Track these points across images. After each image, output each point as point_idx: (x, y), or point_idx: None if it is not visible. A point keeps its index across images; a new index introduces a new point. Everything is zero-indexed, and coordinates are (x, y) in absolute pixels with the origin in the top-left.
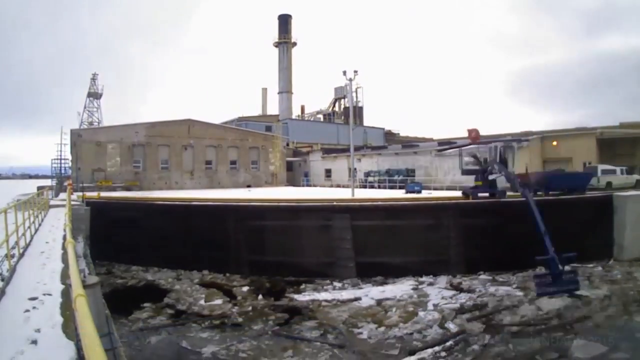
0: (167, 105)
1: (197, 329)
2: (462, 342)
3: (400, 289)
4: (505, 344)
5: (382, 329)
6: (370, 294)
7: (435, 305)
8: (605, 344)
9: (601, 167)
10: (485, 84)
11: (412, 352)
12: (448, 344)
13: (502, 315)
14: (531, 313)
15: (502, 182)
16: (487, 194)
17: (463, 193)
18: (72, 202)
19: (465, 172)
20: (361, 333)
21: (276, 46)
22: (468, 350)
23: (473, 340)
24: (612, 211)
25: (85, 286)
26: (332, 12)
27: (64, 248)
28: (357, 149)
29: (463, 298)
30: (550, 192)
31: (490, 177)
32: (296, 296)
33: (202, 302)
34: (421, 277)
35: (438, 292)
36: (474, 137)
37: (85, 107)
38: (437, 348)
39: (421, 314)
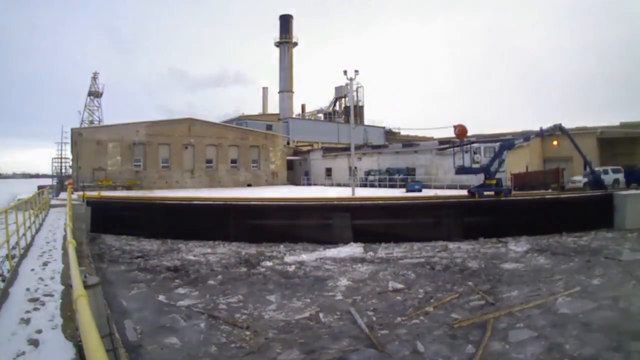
0: (167, 104)
1: (176, 285)
2: None
3: None
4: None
5: None
6: None
7: None
8: (592, 301)
9: None
10: (485, 83)
11: None
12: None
13: None
14: None
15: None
16: (492, 192)
17: (469, 192)
18: (73, 202)
19: (460, 171)
20: None
21: (277, 46)
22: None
23: None
24: (612, 210)
25: (86, 286)
26: (332, 12)
27: (64, 248)
28: (357, 147)
29: None
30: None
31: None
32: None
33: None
34: None
35: None
36: (460, 133)
37: (85, 106)
38: None
39: None
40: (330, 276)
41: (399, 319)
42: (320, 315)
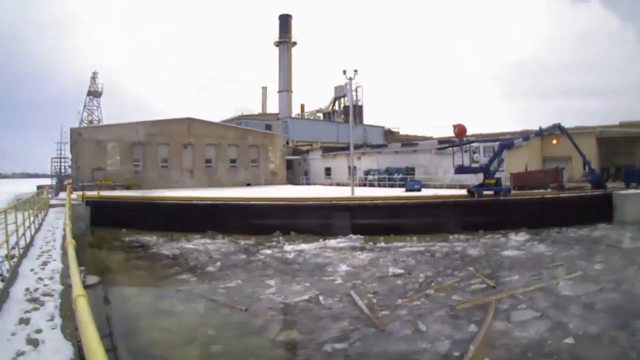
0: (168, 104)
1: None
2: None
3: None
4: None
5: None
6: None
7: None
8: (594, 284)
9: None
10: (485, 82)
11: None
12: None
13: None
14: None
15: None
16: (492, 192)
17: (468, 191)
18: (72, 202)
19: (459, 171)
20: None
21: (276, 45)
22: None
23: None
24: (611, 209)
25: (86, 286)
26: (332, 11)
27: (64, 248)
28: (356, 147)
29: None
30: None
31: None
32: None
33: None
34: None
35: None
36: (460, 132)
37: (85, 106)
38: None
39: None
40: (329, 263)
41: (399, 300)
42: (320, 297)
